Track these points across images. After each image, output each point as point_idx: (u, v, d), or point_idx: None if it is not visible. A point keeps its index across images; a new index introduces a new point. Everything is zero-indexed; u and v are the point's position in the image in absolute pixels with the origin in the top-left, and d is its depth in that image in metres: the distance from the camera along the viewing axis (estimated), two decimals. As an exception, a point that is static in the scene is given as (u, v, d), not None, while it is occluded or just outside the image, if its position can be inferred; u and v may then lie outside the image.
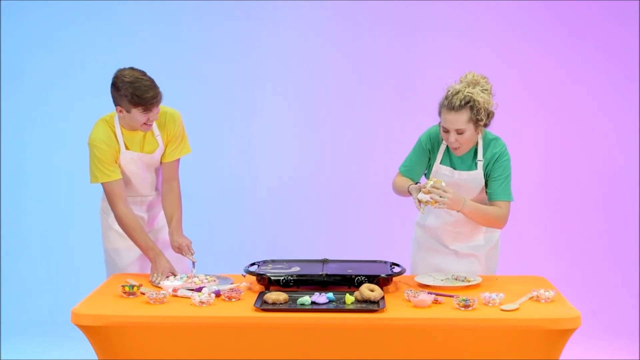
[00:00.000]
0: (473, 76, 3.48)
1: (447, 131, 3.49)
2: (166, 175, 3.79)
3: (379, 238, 5.87)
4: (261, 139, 5.96)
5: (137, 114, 3.51)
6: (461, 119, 3.43)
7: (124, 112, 3.54)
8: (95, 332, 3.04)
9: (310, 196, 5.99)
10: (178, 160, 3.81)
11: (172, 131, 3.73)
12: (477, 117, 3.44)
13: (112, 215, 3.77)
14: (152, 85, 3.50)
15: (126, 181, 3.74)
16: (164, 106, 3.68)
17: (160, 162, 3.79)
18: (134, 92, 3.46)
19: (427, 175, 3.69)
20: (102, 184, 3.67)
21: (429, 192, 3.42)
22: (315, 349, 3.02)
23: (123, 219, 3.66)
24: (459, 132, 3.46)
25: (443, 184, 3.43)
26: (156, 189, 3.87)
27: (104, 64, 5.90)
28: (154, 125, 3.69)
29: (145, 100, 3.47)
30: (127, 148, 3.68)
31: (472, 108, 3.42)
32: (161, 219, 3.90)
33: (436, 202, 3.41)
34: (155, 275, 3.52)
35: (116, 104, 3.55)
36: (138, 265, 3.81)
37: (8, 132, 6.00)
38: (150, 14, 5.92)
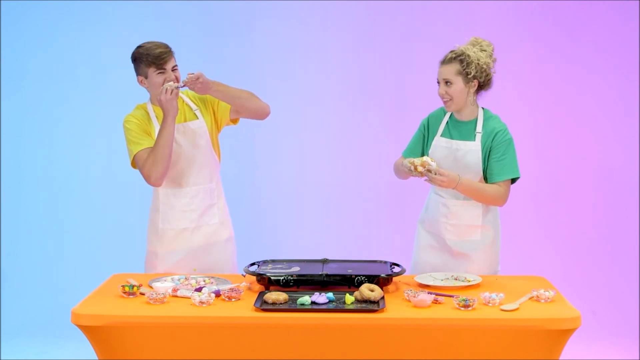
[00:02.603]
0: (476, 39, 3.65)
1: (439, 84, 3.63)
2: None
3: (379, 238, 5.87)
4: (261, 138, 5.97)
5: (154, 76, 3.67)
6: (449, 70, 3.58)
7: (144, 80, 3.70)
8: (95, 332, 3.04)
9: (310, 196, 5.99)
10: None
11: (206, 100, 3.81)
12: (467, 70, 3.57)
13: (159, 215, 3.77)
14: (161, 44, 3.70)
15: (173, 164, 3.71)
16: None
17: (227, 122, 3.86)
18: (144, 52, 3.67)
19: (425, 150, 3.74)
20: (135, 158, 3.67)
21: (422, 174, 3.53)
22: (315, 349, 3.02)
23: (150, 160, 3.61)
24: (447, 83, 3.59)
25: (432, 164, 3.51)
26: (211, 180, 3.83)
27: (104, 64, 5.95)
28: (190, 101, 3.79)
29: (155, 57, 3.64)
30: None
31: (461, 61, 3.58)
32: (211, 218, 3.84)
33: (430, 179, 3.53)
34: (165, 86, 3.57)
35: (137, 74, 3.72)
36: (177, 269, 3.78)
37: (8, 132, 6.00)
38: (150, 14, 5.92)
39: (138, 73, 3.72)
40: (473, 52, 3.58)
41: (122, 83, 5.73)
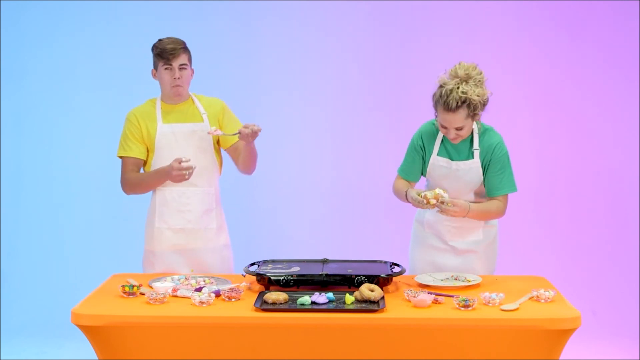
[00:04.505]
0: (464, 70, 3.48)
1: (445, 127, 3.55)
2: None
3: (379, 238, 5.87)
4: (261, 138, 5.94)
5: (162, 71, 3.71)
6: (459, 117, 3.49)
7: (156, 74, 3.76)
8: (95, 332, 3.04)
9: (311, 196, 5.99)
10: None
11: (218, 114, 3.82)
12: (474, 112, 3.51)
13: (155, 215, 3.80)
14: (175, 40, 3.73)
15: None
16: (206, 97, 3.87)
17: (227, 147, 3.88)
18: (158, 45, 3.73)
19: (424, 170, 3.71)
20: (121, 162, 3.79)
21: (433, 206, 3.52)
22: (315, 349, 3.02)
23: (130, 182, 3.75)
24: (458, 129, 3.53)
25: (445, 196, 3.49)
26: (210, 184, 3.84)
27: (104, 64, 5.95)
28: (199, 104, 3.81)
29: (164, 51, 3.68)
30: (164, 121, 3.75)
31: (468, 106, 3.48)
32: (209, 222, 3.84)
33: (442, 210, 3.52)
34: (179, 172, 3.59)
35: (153, 67, 3.79)
36: (174, 268, 3.80)
37: (8, 132, 6.00)
38: (150, 13, 5.92)
39: (153, 65, 3.78)
40: (476, 96, 3.46)
41: (122, 83, 5.76)
